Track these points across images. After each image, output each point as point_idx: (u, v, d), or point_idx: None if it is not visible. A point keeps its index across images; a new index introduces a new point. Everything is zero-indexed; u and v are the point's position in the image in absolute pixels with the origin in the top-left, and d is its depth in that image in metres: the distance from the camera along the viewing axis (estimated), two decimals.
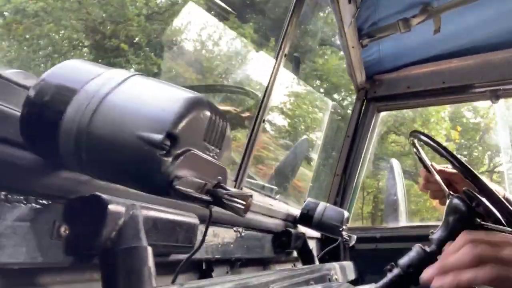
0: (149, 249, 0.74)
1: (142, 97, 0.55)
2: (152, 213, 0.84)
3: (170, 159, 0.52)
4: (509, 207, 1.34)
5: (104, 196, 0.74)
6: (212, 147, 0.60)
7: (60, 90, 0.57)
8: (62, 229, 0.73)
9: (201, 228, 1.15)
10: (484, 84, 2.30)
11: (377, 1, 1.97)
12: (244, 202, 0.59)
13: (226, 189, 0.59)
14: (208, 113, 0.57)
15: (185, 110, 0.53)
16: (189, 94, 0.55)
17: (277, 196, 2.21)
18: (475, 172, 1.42)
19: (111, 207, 0.74)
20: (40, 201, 0.70)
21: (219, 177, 0.62)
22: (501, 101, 2.31)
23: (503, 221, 1.40)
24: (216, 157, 0.61)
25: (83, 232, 0.74)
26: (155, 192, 0.55)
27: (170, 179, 0.52)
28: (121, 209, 0.75)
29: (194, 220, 0.97)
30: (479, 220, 1.47)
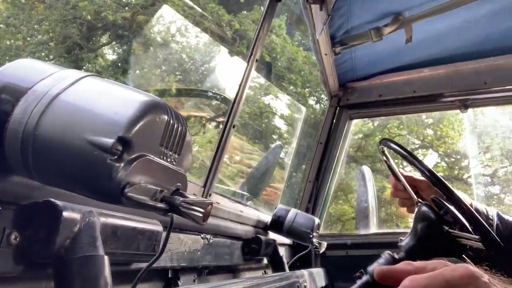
0: (106, 258, 0.71)
1: (94, 99, 0.52)
2: (111, 220, 0.80)
3: (121, 164, 0.50)
4: (476, 215, 1.36)
5: (58, 202, 0.71)
6: (170, 153, 0.57)
7: (8, 90, 0.54)
8: (13, 236, 0.69)
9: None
10: (453, 94, 2.34)
11: (350, 10, 1.98)
12: (203, 210, 0.57)
13: (184, 196, 0.57)
14: (165, 117, 0.55)
15: (140, 114, 0.51)
16: (145, 97, 0.53)
17: (249, 202, 2.19)
18: (444, 180, 1.43)
19: (65, 214, 0.70)
20: None
21: (178, 184, 0.59)
22: (470, 110, 2.35)
23: (470, 229, 1.42)
24: (174, 162, 0.58)
25: (36, 240, 0.70)
26: (106, 200, 0.52)
27: (122, 185, 0.50)
28: (76, 216, 0.72)
29: (156, 227, 0.94)
30: (446, 228, 1.49)
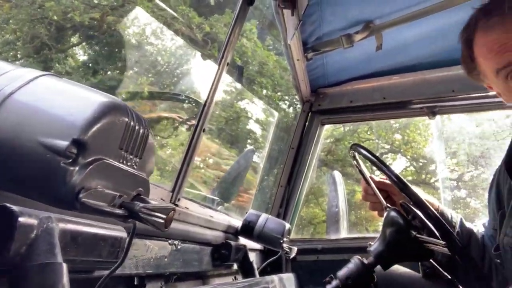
0: (64, 266, 0.68)
1: (49, 99, 0.50)
2: (71, 226, 0.77)
3: (76, 168, 0.47)
4: (443, 221, 1.39)
5: (14, 207, 0.67)
6: (131, 156, 0.55)
7: None
8: None
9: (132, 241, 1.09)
10: (422, 101, 2.39)
11: (322, 16, 1.99)
12: (164, 216, 0.55)
13: (145, 202, 0.55)
14: (125, 119, 0.53)
15: (97, 115, 0.49)
16: (104, 97, 0.51)
17: (219, 207, 2.17)
18: (410, 186, 1.45)
19: (21, 219, 0.67)
20: None
21: (139, 189, 0.57)
22: (437, 117, 2.40)
23: (437, 234, 1.44)
24: (135, 166, 0.56)
25: None
26: (60, 205, 0.50)
27: (76, 190, 0.47)
28: (33, 221, 0.68)
29: (120, 233, 0.91)
30: (414, 233, 1.51)
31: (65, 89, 0.52)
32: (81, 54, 8.10)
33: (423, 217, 1.47)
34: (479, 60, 1.34)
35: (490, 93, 2.26)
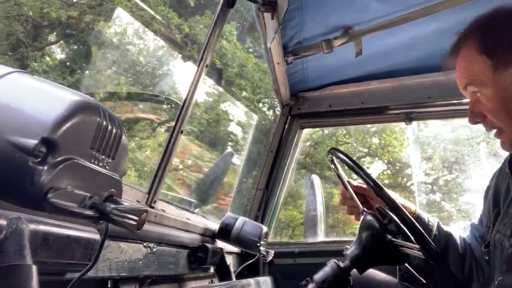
0: (34, 268, 0.66)
1: (19, 97, 0.49)
2: (42, 228, 0.76)
3: (45, 168, 0.46)
4: (417, 226, 1.41)
5: None
6: (103, 157, 0.54)
7: None
8: None
9: (105, 243, 1.07)
10: (399, 107, 2.42)
11: (302, 21, 2.00)
12: (137, 218, 0.54)
13: (117, 203, 0.54)
14: (97, 118, 0.52)
15: (68, 114, 0.48)
16: (75, 96, 0.50)
17: (197, 210, 2.16)
18: (387, 191, 1.47)
19: None
20: None
21: (112, 190, 0.56)
22: (414, 123, 2.44)
23: (412, 239, 1.46)
24: (107, 167, 0.55)
25: None
26: (28, 205, 0.49)
27: (44, 190, 0.46)
28: (2, 222, 0.67)
29: (93, 235, 0.89)
30: (390, 237, 1.53)
31: (36, 87, 0.51)
32: (58, 53, 7.95)
33: (398, 221, 1.49)
34: None
35: (465, 100, 2.33)
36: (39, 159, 0.46)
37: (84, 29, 7.45)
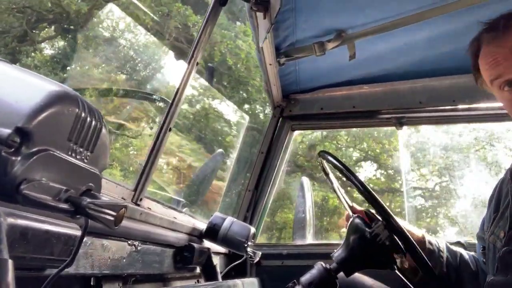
0: (10, 262, 0.64)
1: None
2: (21, 222, 0.74)
3: (18, 158, 0.45)
4: (406, 232, 1.41)
5: None
6: (80, 149, 0.53)
7: None
8: None
9: (87, 240, 1.06)
10: (390, 111, 2.43)
11: (295, 22, 2.00)
12: (114, 213, 0.53)
13: (94, 198, 0.53)
14: (75, 110, 0.50)
15: (44, 104, 0.46)
16: (53, 86, 0.49)
17: (184, 209, 2.14)
18: (376, 196, 1.47)
19: None
20: None
21: (90, 184, 0.55)
22: (405, 128, 2.45)
23: (400, 244, 1.46)
24: (86, 160, 0.54)
25: None
26: (0, 196, 0.47)
27: (17, 181, 0.45)
28: None
29: (74, 231, 0.88)
30: (377, 241, 1.52)
31: (13, 76, 0.50)
32: (49, 48, 7.83)
33: (387, 229, 1.49)
34: (481, 70, 1.46)
35: (458, 107, 2.35)
36: (13, 149, 0.44)
37: (84, 24, 7.32)
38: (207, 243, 1.89)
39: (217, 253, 2.07)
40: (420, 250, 1.40)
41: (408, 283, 1.62)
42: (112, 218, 0.53)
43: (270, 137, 2.51)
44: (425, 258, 1.40)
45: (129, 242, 1.26)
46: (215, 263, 1.86)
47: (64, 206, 0.50)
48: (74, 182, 0.52)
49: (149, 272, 1.44)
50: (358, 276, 1.71)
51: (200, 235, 1.84)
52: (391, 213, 1.43)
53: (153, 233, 1.41)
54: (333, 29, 2.06)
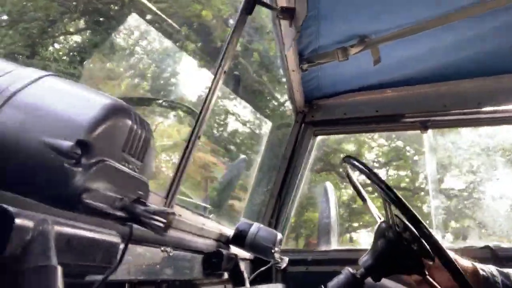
0: (59, 269, 0.67)
1: (53, 100, 0.50)
2: (66, 229, 0.76)
3: (80, 169, 0.47)
4: (433, 236, 1.40)
5: (10, 208, 0.67)
6: (133, 159, 0.55)
7: None
8: None
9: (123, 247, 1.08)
10: (414, 115, 2.41)
11: (318, 29, 2.01)
12: (164, 220, 0.55)
13: (145, 205, 0.55)
14: (129, 122, 0.53)
15: (102, 117, 0.49)
16: (109, 100, 0.51)
17: (211, 216, 2.16)
18: (404, 200, 1.46)
19: (18, 221, 0.66)
20: None
21: (140, 192, 0.57)
22: (430, 131, 2.43)
23: (427, 247, 1.45)
24: (136, 170, 0.56)
25: None
26: (62, 206, 0.50)
27: (79, 191, 0.47)
28: (29, 223, 0.68)
29: (114, 238, 0.90)
30: (405, 245, 1.51)
31: (69, 90, 0.52)
32: (72, 41, 7.76)
33: (414, 230, 1.48)
34: None
35: (483, 109, 2.32)
36: (74, 161, 0.47)
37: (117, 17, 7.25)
38: (234, 249, 1.91)
39: (243, 259, 2.08)
40: (450, 256, 1.39)
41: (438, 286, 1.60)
42: (162, 225, 0.55)
43: (293, 143, 2.52)
44: (458, 266, 1.37)
45: (162, 248, 1.28)
46: (242, 269, 1.87)
47: (121, 214, 0.52)
48: (126, 190, 0.54)
49: (180, 278, 1.46)
50: (385, 281, 1.70)
51: (227, 241, 1.86)
52: (419, 218, 1.42)
53: (184, 240, 1.43)
54: (356, 34, 2.07)
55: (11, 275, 0.65)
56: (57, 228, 0.75)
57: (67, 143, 0.46)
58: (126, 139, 0.53)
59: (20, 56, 6.66)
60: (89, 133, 0.48)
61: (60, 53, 7.40)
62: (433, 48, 2.13)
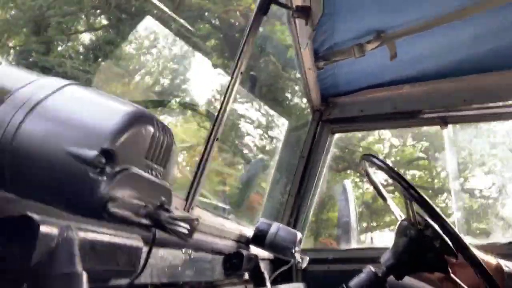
0: (84, 275, 0.68)
1: (76, 109, 0.50)
2: (90, 236, 0.77)
3: (104, 178, 0.47)
4: (456, 231, 1.37)
5: (35, 216, 0.68)
6: (156, 166, 0.55)
7: None
8: None
9: (146, 250, 1.09)
10: (433, 110, 2.37)
11: (333, 26, 1.99)
12: (188, 226, 0.55)
13: (169, 212, 0.55)
14: (151, 129, 0.53)
15: (125, 125, 0.49)
16: (131, 107, 0.51)
17: (230, 216, 2.17)
18: (426, 197, 1.44)
19: (43, 228, 0.67)
20: None
21: (163, 198, 0.57)
22: (450, 126, 2.39)
23: (450, 244, 1.43)
24: (159, 176, 0.56)
25: (11, 256, 0.67)
26: (88, 215, 0.50)
27: (104, 200, 0.47)
28: (54, 231, 0.68)
29: (137, 242, 0.91)
30: (427, 243, 1.49)
31: (91, 99, 0.52)
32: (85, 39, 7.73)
33: (437, 228, 1.46)
34: None
35: (504, 103, 2.27)
36: (99, 170, 0.47)
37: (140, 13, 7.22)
38: (254, 249, 1.91)
39: (263, 259, 2.08)
40: (474, 253, 1.36)
41: (463, 285, 1.57)
42: (186, 231, 0.55)
43: (310, 142, 2.50)
44: (482, 262, 1.35)
45: (183, 251, 1.29)
46: (263, 269, 1.87)
47: (146, 221, 0.52)
48: (150, 197, 0.54)
49: (202, 279, 1.47)
50: (408, 280, 1.68)
51: (247, 242, 1.86)
52: (442, 214, 1.40)
53: (204, 241, 1.44)
54: (372, 30, 2.04)
55: (38, 283, 0.66)
56: (81, 234, 0.76)
57: (91, 153, 0.46)
58: (149, 146, 0.53)
59: (35, 53, 6.68)
60: (112, 141, 0.48)
61: (75, 49, 7.40)
62: (452, 42, 2.09)
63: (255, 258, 1.81)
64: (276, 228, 1.84)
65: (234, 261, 1.67)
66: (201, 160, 1.39)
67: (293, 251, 1.80)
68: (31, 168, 0.49)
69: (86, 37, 7.67)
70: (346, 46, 2.10)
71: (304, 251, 2.26)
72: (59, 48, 7.26)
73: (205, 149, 1.38)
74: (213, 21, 7.84)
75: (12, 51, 6.96)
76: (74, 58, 7.06)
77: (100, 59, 7.27)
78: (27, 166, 0.49)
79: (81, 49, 7.50)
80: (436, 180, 8.98)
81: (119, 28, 7.38)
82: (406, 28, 1.99)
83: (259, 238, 1.83)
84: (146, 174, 0.53)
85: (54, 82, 0.54)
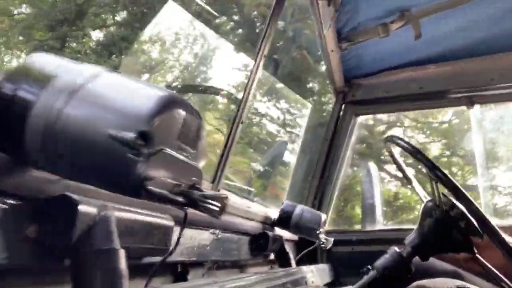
0: (122, 252, 0.72)
1: (114, 94, 0.53)
2: (126, 215, 0.81)
3: (141, 158, 0.50)
4: (482, 212, 1.37)
5: (74, 196, 0.72)
6: (187, 147, 0.58)
7: (28, 85, 0.55)
8: (31, 229, 0.70)
9: (176, 230, 1.13)
10: (459, 90, 2.33)
11: (357, 5, 1.98)
12: (219, 204, 0.58)
13: (201, 191, 0.58)
14: (183, 112, 0.56)
15: (160, 108, 0.52)
16: (164, 92, 0.54)
17: (256, 198, 2.20)
18: (451, 177, 1.44)
19: (81, 207, 0.71)
20: (8, 201, 0.67)
21: (194, 178, 0.60)
22: (477, 107, 2.35)
23: (476, 225, 1.42)
24: (190, 157, 0.59)
25: (53, 233, 0.72)
26: (126, 193, 0.53)
27: (141, 179, 0.50)
28: (92, 210, 0.73)
29: (169, 222, 0.95)
30: (452, 222, 1.49)
31: (126, 84, 0.56)
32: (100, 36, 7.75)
33: (463, 208, 1.46)
34: None
35: None
36: (137, 151, 0.50)
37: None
38: (279, 231, 1.94)
39: (288, 241, 2.12)
40: (500, 232, 1.36)
41: (489, 266, 1.57)
42: (217, 209, 0.58)
43: (334, 124, 2.50)
44: (506, 240, 1.35)
45: (211, 231, 1.33)
46: (287, 250, 1.91)
47: (181, 199, 0.55)
48: (183, 177, 0.57)
49: (228, 259, 1.51)
50: (433, 260, 1.69)
51: (272, 223, 1.89)
52: (468, 195, 1.40)
53: (231, 222, 1.48)
54: (395, 9, 2.02)
55: (79, 258, 0.70)
56: (117, 213, 0.80)
57: (130, 135, 0.50)
58: (181, 128, 0.56)
59: (50, 48, 6.74)
60: (149, 124, 0.51)
61: (91, 45, 7.44)
62: (477, 20, 2.05)
63: (280, 239, 1.85)
64: (301, 210, 1.86)
65: (260, 242, 1.71)
66: (226, 143, 1.42)
67: (318, 232, 1.83)
68: (73, 149, 0.52)
69: (104, 32, 7.68)
70: (369, 26, 2.08)
71: (328, 233, 2.29)
72: (74, 45, 7.29)
73: (230, 131, 1.41)
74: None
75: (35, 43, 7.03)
76: (91, 54, 7.08)
77: (114, 55, 7.28)
78: (69, 147, 0.52)
79: (96, 46, 7.51)
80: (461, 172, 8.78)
81: (135, 23, 7.38)
82: (431, 7, 1.96)
83: (284, 220, 1.86)
84: (178, 155, 0.56)
85: (92, 69, 0.57)
